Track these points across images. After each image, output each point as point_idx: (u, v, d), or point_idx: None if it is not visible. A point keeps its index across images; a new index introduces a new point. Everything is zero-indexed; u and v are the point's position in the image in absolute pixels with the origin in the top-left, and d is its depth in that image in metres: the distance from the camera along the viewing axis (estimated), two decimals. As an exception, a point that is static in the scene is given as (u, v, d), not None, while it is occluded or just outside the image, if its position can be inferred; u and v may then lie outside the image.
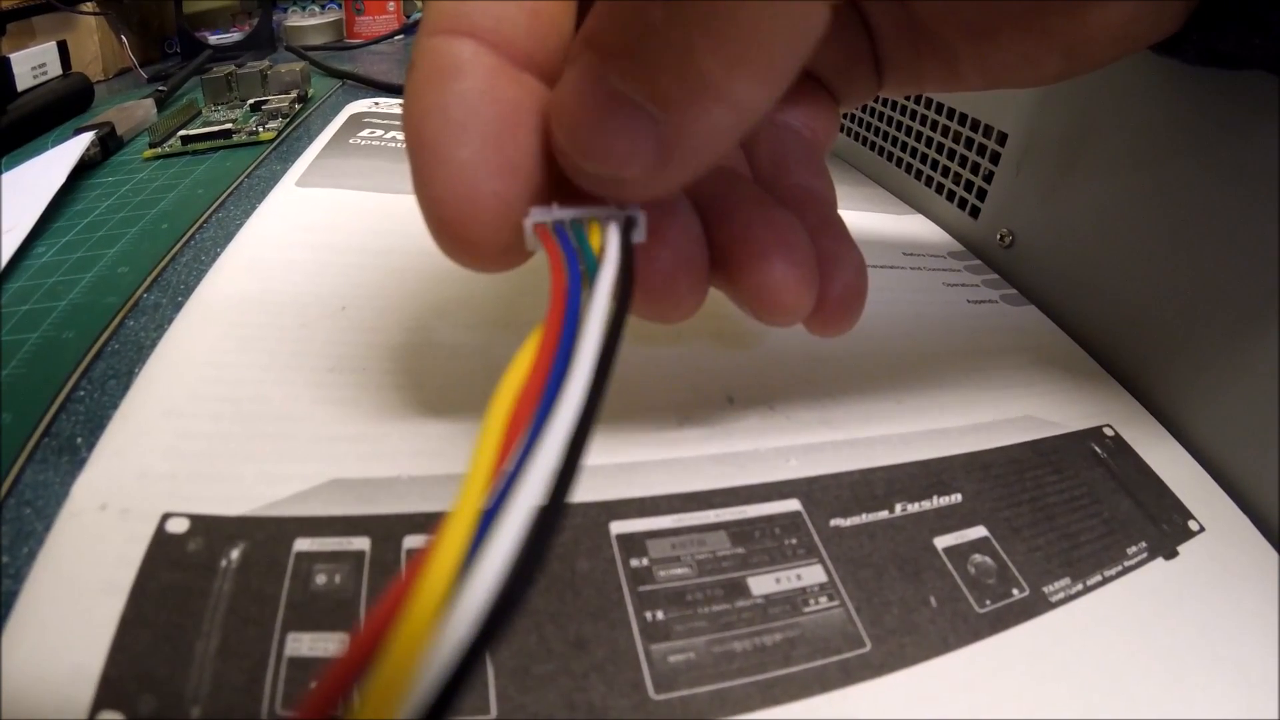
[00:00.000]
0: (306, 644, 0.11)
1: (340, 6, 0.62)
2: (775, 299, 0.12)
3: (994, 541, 0.15)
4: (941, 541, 0.14)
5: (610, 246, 0.10)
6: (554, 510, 0.06)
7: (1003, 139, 0.25)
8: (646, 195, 0.11)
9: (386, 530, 0.13)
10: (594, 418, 0.07)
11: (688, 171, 0.10)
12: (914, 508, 0.15)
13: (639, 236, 0.11)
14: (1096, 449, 0.17)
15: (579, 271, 0.09)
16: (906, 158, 0.30)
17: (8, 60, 0.36)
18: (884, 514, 0.15)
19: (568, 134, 0.10)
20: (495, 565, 0.06)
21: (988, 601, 0.13)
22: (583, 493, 0.14)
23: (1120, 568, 0.15)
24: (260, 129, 0.33)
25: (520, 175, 0.10)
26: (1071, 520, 0.15)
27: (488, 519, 0.06)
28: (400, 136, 0.30)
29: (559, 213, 0.11)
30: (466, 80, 0.10)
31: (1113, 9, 0.12)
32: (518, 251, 0.11)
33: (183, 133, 0.32)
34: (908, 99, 0.29)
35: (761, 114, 0.10)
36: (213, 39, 0.55)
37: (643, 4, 0.09)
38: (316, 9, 0.63)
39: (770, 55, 0.09)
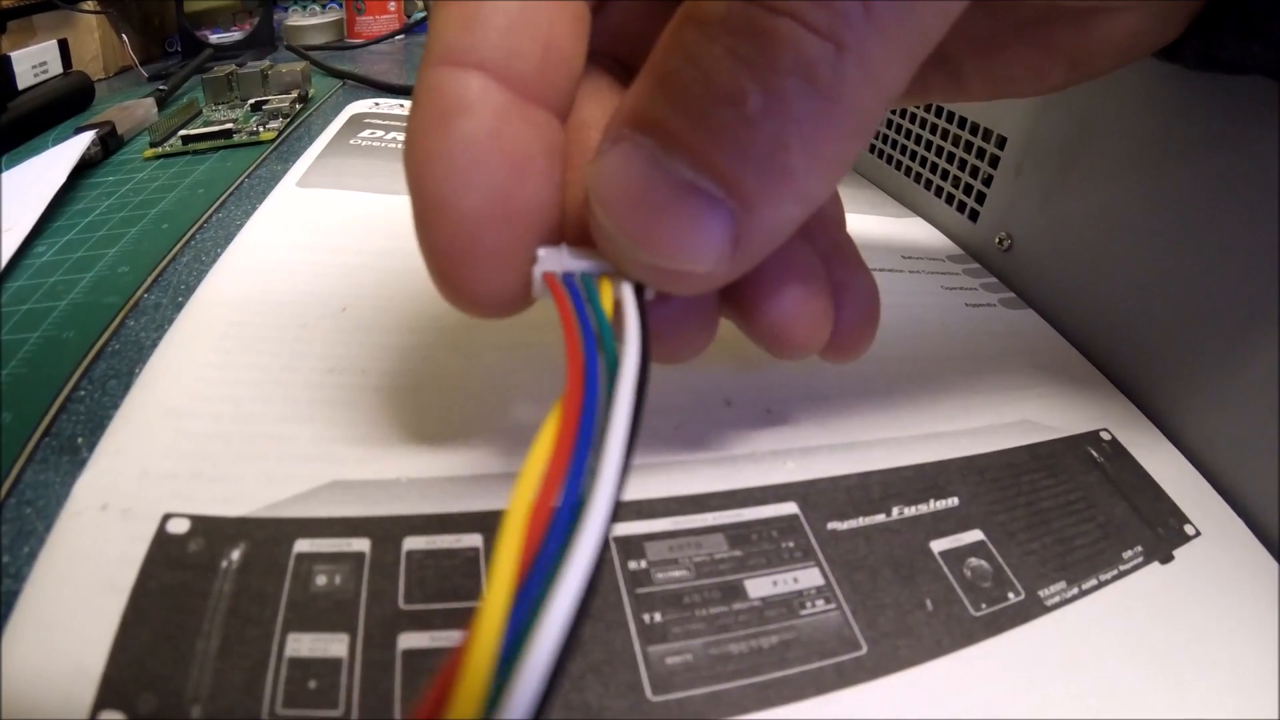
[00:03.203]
0: (307, 644, 0.11)
1: (341, 6, 0.62)
2: (791, 336, 0.12)
3: (990, 545, 0.15)
4: (938, 545, 0.14)
5: (630, 323, 0.09)
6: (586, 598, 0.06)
7: (1002, 143, 0.25)
8: (702, 289, 0.10)
9: (386, 531, 0.13)
10: (618, 504, 0.07)
11: (748, 266, 0.10)
12: (910, 511, 0.15)
13: (650, 294, 0.10)
14: (1093, 453, 0.18)
15: (593, 333, 0.09)
16: (906, 161, 0.30)
17: (8, 58, 0.36)
18: (880, 517, 0.15)
19: (621, 223, 0.09)
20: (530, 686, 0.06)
21: (983, 605, 0.13)
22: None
23: (1116, 572, 0.15)
24: (261, 129, 0.33)
25: (526, 227, 0.10)
26: (1067, 524, 0.15)
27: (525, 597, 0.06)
28: (401, 137, 0.30)
29: (570, 263, 0.10)
30: (473, 120, 0.09)
31: (1119, 21, 0.12)
32: (521, 301, 0.10)
33: (183, 132, 0.32)
34: (907, 102, 0.29)
35: (818, 206, 0.09)
36: (213, 38, 0.55)
37: (737, 92, 0.08)
38: (317, 8, 0.63)
39: (846, 153, 0.09)
